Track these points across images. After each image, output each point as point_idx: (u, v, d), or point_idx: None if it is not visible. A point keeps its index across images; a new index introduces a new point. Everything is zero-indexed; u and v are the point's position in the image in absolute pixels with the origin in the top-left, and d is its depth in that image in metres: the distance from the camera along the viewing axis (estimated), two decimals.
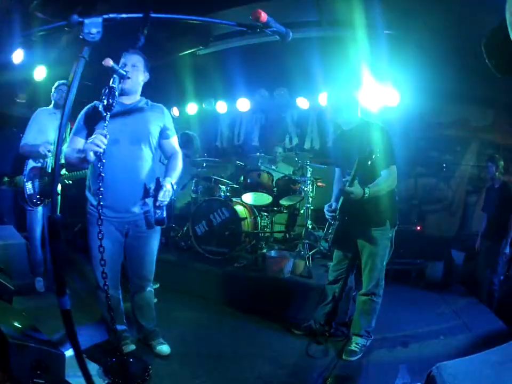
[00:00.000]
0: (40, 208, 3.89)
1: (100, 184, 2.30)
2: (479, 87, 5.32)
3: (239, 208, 4.91)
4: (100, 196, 2.29)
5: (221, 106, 6.75)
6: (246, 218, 4.86)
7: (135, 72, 2.64)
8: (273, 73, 6.06)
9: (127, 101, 2.70)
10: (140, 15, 1.41)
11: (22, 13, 3.20)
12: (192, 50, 5.59)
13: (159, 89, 6.52)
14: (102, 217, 2.32)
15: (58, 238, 1.36)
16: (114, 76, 2.20)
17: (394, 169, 3.01)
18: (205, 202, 5.05)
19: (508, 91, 5.58)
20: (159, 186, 2.55)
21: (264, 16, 1.49)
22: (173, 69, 5.80)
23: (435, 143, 6.30)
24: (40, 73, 4.97)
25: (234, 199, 5.14)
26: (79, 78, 1.31)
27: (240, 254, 4.88)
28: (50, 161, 3.78)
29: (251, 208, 5.18)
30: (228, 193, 5.14)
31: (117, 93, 2.21)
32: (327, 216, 3.22)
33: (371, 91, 5.47)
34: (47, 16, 3.99)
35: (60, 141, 1.36)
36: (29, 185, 3.74)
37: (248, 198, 5.10)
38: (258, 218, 5.20)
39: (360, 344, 3.16)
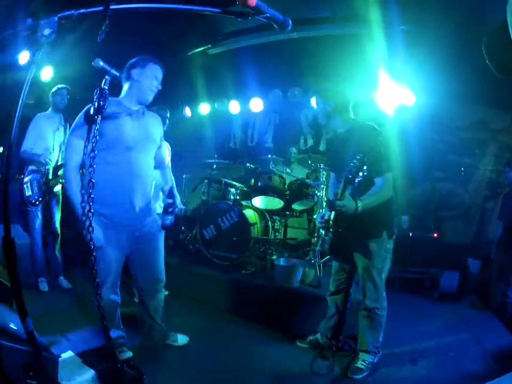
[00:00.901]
0: (39, 208, 3.96)
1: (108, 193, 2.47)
2: (497, 88, 5.14)
3: (248, 213, 4.80)
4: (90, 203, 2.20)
5: (234, 107, 6.63)
6: (256, 223, 4.75)
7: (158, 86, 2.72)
8: (286, 73, 5.93)
9: (133, 106, 2.66)
10: (100, 8, 1.33)
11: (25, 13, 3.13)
12: (200, 49, 5.49)
13: (170, 89, 6.51)
14: (112, 225, 2.51)
15: (14, 262, 1.28)
16: (106, 77, 2.13)
17: (390, 177, 2.80)
18: (214, 206, 4.97)
19: None
20: (173, 195, 2.79)
21: (252, 0, 1.34)
22: (184, 68, 5.75)
23: (452, 145, 6.10)
24: (47, 73, 4.91)
25: (244, 203, 5.04)
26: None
27: (249, 260, 4.79)
28: (50, 168, 3.93)
29: (262, 212, 5.07)
30: (238, 197, 5.01)
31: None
32: (318, 226, 3.13)
33: (386, 90, 5.31)
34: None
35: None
36: (27, 186, 3.83)
37: (258, 202, 5.00)
38: (270, 223, 5.07)
39: (367, 362, 3.00)
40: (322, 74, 5.40)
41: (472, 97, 5.67)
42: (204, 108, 6.97)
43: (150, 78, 2.62)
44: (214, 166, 5.67)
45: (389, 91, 5.31)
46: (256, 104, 6.41)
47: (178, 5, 1.48)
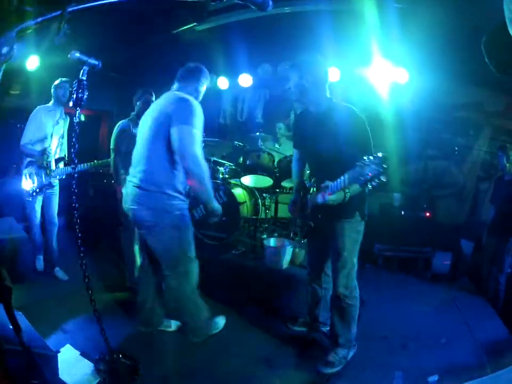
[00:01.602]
0: (39, 198, 4.03)
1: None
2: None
3: (237, 192, 4.70)
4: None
5: (223, 82, 6.41)
6: (245, 202, 4.65)
7: None
8: (277, 47, 5.73)
9: None
10: (58, 12, 1.32)
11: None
12: (186, 27, 5.29)
13: (158, 67, 6.32)
14: None
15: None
16: (84, 67, 2.03)
17: None
18: None
19: None
20: None
21: None
22: (171, 45, 5.53)
23: (447, 124, 6.01)
24: (32, 63, 4.76)
25: (233, 181, 4.90)
26: None
27: (240, 239, 4.70)
28: (51, 159, 3.97)
29: (251, 190, 4.95)
30: (227, 175, 4.88)
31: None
32: (292, 214, 3.04)
33: (379, 68, 5.17)
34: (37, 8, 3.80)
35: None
36: (26, 178, 3.90)
37: (247, 180, 4.87)
38: (260, 201, 4.96)
39: (340, 355, 2.80)
40: (314, 49, 5.24)
41: (467, 77, 5.57)
42: None
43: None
44: (203, 144, 5.46)
45: (382, 69, 5.16)
46: (245, 80, 6.20)
47: None
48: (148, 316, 3.05)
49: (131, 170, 2.80)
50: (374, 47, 4.79)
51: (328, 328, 3.09)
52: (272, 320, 3.45)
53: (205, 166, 2.67)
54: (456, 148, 5.95)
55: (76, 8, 1.33)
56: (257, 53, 5.78)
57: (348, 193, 2.48)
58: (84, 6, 1.35)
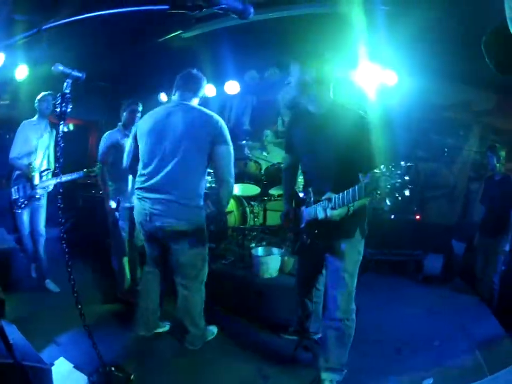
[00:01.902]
0: (27, 210, 4.09)
1: None
2: (482, 69, 5.01)
3: None
4: None
5: (210, 90, 6.37)
6: (232, 211, 4.61)
7: None
8: (263, 53, 5.70)
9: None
10: (34, 31, 1.31)
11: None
12: (172, 35, 5.27)
13: (145, 75, 6.29)
14: None
15: None
16: (68, 80, 2.04)
17: None
18: None
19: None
20: None
21: None
22: (158, 53, 5.50)
23: (436, 125, 6.00)
24: (21, 72, 4.76)
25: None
26: None
27: (229, 248, 4.66)
28: (35, 173, 4.00)
29: (239, 199, 4.92)
30: (214, 184, 4.84)
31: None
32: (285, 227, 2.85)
33: (367, 70, 5.15)
34: (26, 16, 3.92)
35: None
36: (14, 190, 3.97)
37: (234, 189, 4.78)
38: (248, 209, 4.93)
39: (334, 382, 2.61)
40: (300, 54, 5.21)
41: (456, 77, 5.56)
42: None
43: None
44: None
45: (370, 71, 5.14)
46: (232, 87, 6.15)
47: (118, 9, 1.36)
48: (149, 320, 3.16)
49: (145, 183, 2.86)
50: (361, 50, 4.77)
51: (319, 336, 3.03)
52: (262, 328, 3.42)
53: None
54: (445, 149, 5.93)
55: (51, 25, 1.31)
56: (244, 59, 5.74)
57: (352, 208, 2.19)
58: (59, 23, 1.32)
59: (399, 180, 1.76)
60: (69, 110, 2.04)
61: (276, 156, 5.53)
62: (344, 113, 2.37)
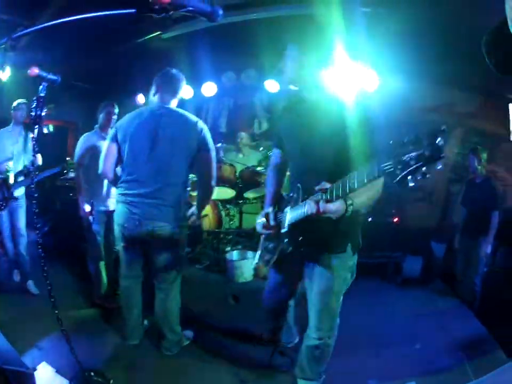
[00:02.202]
0: (5, 212, 4.11)
1: None
2: (467, 71, 5.03)
3: None
4: None
5: (187, 91, 6.32)
6: (207, 215, 4.55)
7: None
8: (240, 55, 5.68)
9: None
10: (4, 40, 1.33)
11: None
12: (150, 36, 5.22)
13: (124, 76, 6.23)
14: None
15: None
16: (43, 83, 2.01)
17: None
18: None
19: (496, 77, 5.30)
20: None
21: None
22: (137, 53, 5.49)
23: (417, 128, 5.96)
24: (4, 74, 4.56)
25: (195, 194, 4.81)
26: None
27: (204, 252, 4.61)
28: (10, 173, 4.04)
29: (214, 202, 4.86)
30: (188, 188, 4.78)
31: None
32: (260, 231, 2.28)
33: (347, 73, 5.12)
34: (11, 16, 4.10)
35: None
36: None
37: None
38: (223, 212, 4.89)
39: None
40: (278, 56, 5.19)
41: (438, 79, 5.57)
42: None
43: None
44: None
45: (350, 74, 5.12)
46: (209, 88, 6.16)
47: (87, 15, 1.39)
48: (137, 329, 3.14)
49: (132, 186, 2.85)
50: (341, 52, 4.74)
51: (296, 341, 2.97)
52: (238, 334, 3.36)
53: None
54: None
55: (21, 33, 1.33)
56: (222, 61, 5.73)
57: (351, 206, 1.80)
58: (29, 30, 1.34)
59: (430, 151, 1.27)
60: (43, 113, 2.02)
61: (251, 158, 5.48)
62: (342, 101, 2.10)
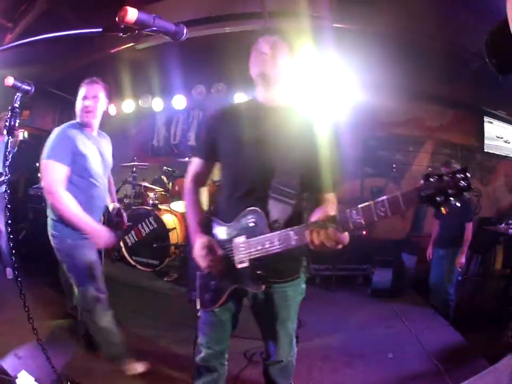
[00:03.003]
0: None
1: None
2: (437, 85, 5.15)
3: (167, 218, 4.63)
4: None
5: (157, 104, 6.34)
6: (175, 228, 4.53)
7: (97, 104, 2.61)
8: (211, 69, 5.72)
9: (92, 132, 2.68)
10: None
11: None
12: (123, 47, 5.22)
13: None
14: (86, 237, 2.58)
15: None
16: (18, 94, 1.94)
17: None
18: (134, 211, 4.76)
19: (467, 90, 5.44)
20: (121, 214, 2.93)
21: (131, 16, 1.13)
22: (110, 63, 5.48)
23: (385, 142, 6.07)
24: None
25: (164, 207, 4.79)
26: None
27: (173, 265, 4.57)
28: None
29: (182, 215, 4.82)
30: (157, 201, 4.77)
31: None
32: (207, 267, 1.72)
33: (317, 88, 5.19)
34: None
35: None
36: None
37: (177, 206, 4.75)
38: None
39: None
40: (248, 69, 5.22)
41: (408, 94, 5.67)
42: (128, 105, 6.63)
43: (79, 100, 2.60)
44: (134, 168, 5.48)
45: (320, 88, 5.19)
46: (179, 101, 6.19)
47: (54, 34, 1.34)
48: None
49: None
50: (311, 67, 4.80)
51: None
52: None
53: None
54: (394, 165, 6.01)
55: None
56: (192, 74, 5.75)
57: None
58: (9, 46, 1.36)
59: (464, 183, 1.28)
60: (17, 124, 1.96)
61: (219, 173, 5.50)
62: (303, 111, 1.85)
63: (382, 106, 5.79)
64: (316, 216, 1.52)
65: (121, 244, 4.66)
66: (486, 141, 6.29)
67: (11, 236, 2.12)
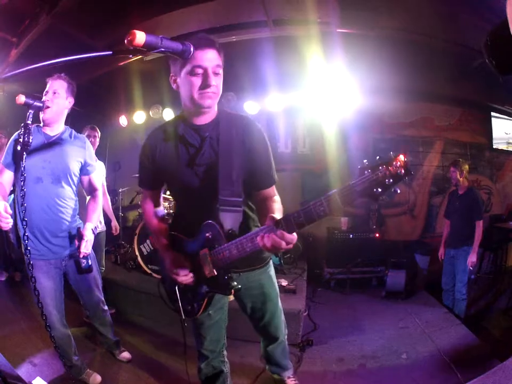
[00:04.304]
0: None
1: (25, 229, 2.18)
2: (445, 85, 5.15)
3: None
4: (26, 241, 2.07)
5: (168, 114, 6.39)
6: None
7: (55, 100, 2.48)
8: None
9: (51, 132, 2.54)
10: None
11: None
12: (132, 59, 5.29)
13: (107, 97, 6.28)
14: (38, 258, 2.43)
15: None
16: (30, 111, 2.04)
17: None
18: None
19: (473, 88, 5.44)
20: (80, 236, 2.54)
21: (139, 39, 1.18)
22: (120, 75, 5.53)
23: (394, 144, 6.09)
24: None
25: None
26: None
27: None
28: None
29: None
30: (171, 210, 4.82)
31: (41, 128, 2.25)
32: (185, 282, 1.83)
33: (324, 92, 5.24)
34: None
35: None
36: None
37: None
38: None
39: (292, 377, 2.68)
40: (257, 78, 5.29)
41: (416, 95, 5.67)
42: (139, 116, 6.69)
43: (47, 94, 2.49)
44: None
45: (327, 93, 5.23)
46: None
47: (65, 58, 1.34)
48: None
49: None
50: (319, 72, 4.84)
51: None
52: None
53: None
54: None
55: (9, 74, 1.39)
56: None
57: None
58: (17, 72, 1.36)
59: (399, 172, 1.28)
60: (31, 140, 2.04)
61: None
62: (237, 120, 1.86)
63: (390, 108, 5.82)
64: (264, 222, 1.57)
65: (137, 253, 4.71)
66: (494, 138, 6.29)
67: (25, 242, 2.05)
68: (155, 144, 1.91)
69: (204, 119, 1.82)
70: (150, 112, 6.54)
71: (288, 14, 4.39)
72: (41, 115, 2.46)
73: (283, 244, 1.46)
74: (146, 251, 4.70)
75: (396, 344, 3.50)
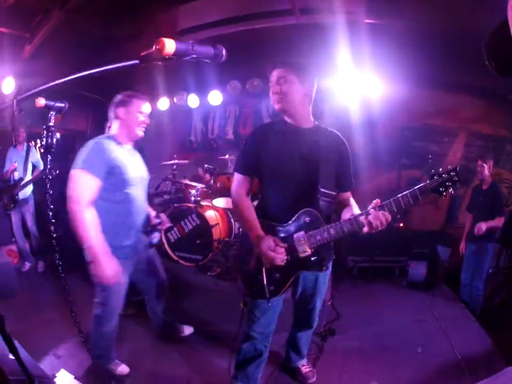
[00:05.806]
0: (15, 212, 4.96)
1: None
2: (470, 76, 5.07)
3: (209, 214, 4.70)
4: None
5: (193, 100, 6.41)
6: (218, 224, 4.63)
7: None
8: (245, 64, 5.72)
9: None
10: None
11: None
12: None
13: (129, 85, 6.29)
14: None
15: None
16: (51, 112, 1.99)
17: None
18: (175, 209, 4.84)
19: (499, 81, 5.36)
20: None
21: (169, 48, 1.12)
22: (142, 66, 5.50)
23: (420, 133, 6.04)
24: (8, 86, 5.09)
25: (206, 203, 4.89)
26: None
27: (216, 259, 4.71)
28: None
29: (224, 211, 4.96)
30: (199, 198, 4.87)
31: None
32: (278, 261, 2.08)
33: (351, 81, 5.20)
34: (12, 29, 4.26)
35: None
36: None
37: (219, 202, 4.86)
38: (232, 220, 4.97)
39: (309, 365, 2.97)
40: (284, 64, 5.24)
41: (442, 85, 5.60)
42: (163, 103, 6.72)
43: (135, 114, 2.59)
44: (174, 166, 5.63)
45: (354, 81, 5.19)
46: (215, 97, 6.24)
47: (91, 70, 1.33)
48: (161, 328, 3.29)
49: None
50: (345, 61, 4.80)
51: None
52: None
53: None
54: (430, 156, 5.97)
55: (26, 95, 1.38)
56: (227, 70, 5.76)
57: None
58: (32, 92, 1.38)
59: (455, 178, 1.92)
60: (54, 141, 2.00)
61: None
62: (330, 133, 2.30)
63: (415, 97, 5.75)
64: (353, 210, 2.15)
65: (164, 240, 4.77)
66: None
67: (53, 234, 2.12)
68: (270, 137, 2.23)
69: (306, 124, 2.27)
70: (174, 99, 6.55)
71: (314, 2, 4.34)
72: (136, 131, 2.64)
73: (384, 221, 1.87)
74: (173, 238, 4.77)
75: (413, 336, 3.56)
